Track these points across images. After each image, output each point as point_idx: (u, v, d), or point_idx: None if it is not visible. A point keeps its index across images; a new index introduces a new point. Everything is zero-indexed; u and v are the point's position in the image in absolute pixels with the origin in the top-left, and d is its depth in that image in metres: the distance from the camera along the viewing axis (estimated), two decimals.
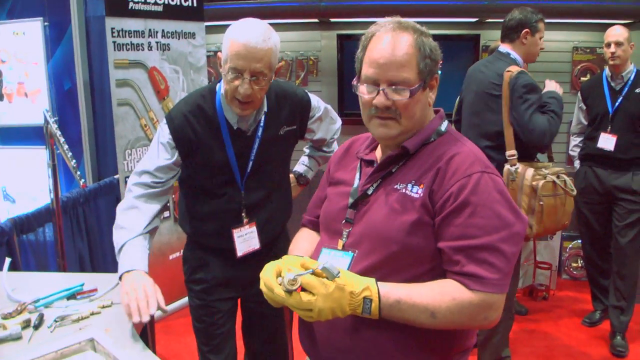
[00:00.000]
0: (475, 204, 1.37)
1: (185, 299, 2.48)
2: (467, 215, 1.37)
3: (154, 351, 1.74)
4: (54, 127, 3.01)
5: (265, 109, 2.12)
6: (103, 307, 1.89)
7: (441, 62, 1.51)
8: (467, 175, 1.39)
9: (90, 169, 4.31)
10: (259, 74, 1.92)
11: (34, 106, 4.27)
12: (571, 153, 4.09)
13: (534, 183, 2.84)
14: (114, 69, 3.67)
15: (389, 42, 1.43)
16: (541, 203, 2.82)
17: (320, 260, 1.55)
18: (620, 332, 3.73)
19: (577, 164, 3.99)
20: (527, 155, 2.98)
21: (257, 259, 2.12)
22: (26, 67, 4.27)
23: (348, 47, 4.69)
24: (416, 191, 1.44)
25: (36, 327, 1.76)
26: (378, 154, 1.61)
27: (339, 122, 2.49)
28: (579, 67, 4.80)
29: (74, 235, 3.67)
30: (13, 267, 3.02)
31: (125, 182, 3.79)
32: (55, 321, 1.78)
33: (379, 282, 1.38)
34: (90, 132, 4.29)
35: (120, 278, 1.85)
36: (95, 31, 4.17)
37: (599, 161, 3.72)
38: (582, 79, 4.78)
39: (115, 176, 4.02)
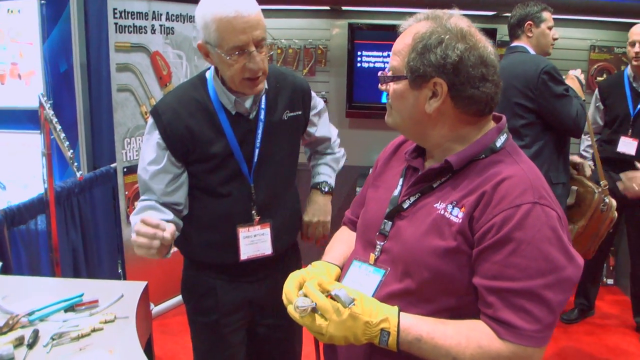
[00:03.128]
0: (519, 240, 1.18)
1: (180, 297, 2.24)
2: (507, 253, 1.19)
3: None
4: (50, 112, 2.80)
5: (265, 85, 1.90)
6: (105, 322, 1.71)
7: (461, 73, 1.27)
8: (514, 206, 1.20)
9: (85, 157, 4.10)
10: (261, 41, 1.73)
11: (27, 88, 4.05)
12: (583, 153, 3.94)
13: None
14: (115, 52, 3.47)
15: (404, 29, 1.35)
16: None
17: (349, 274, 1.45)
18: None
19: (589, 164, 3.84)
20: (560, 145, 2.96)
21: (265, 273, 1.97)
22: (20, 47, 4.04)
23: (359, 37, 4.49)
24: (456, 214, 1.27)
25: (30, 345, 1.57)
26: (428, 163, 1.43)
27: (335, 130, 2.32)
28: (595, 66, 4.62)
29: (68, 227, 3.47)
30: (3, 263, 2.88)
31: (124, 172, 3.64)
32: (52, 339, 1.60)
33: (401, 314, 1.24)
34: (87, 118, 4.07)
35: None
36: (94, 11, 3.93)
37: (618, 166, 3.56)
38: (599, 78, 4.61)
39: (112, 165, 3.82)
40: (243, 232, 1.93)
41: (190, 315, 2.08)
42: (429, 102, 1.29)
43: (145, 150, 1.89)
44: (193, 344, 2.11)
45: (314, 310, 1.22)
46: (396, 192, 1.43)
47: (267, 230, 1.97)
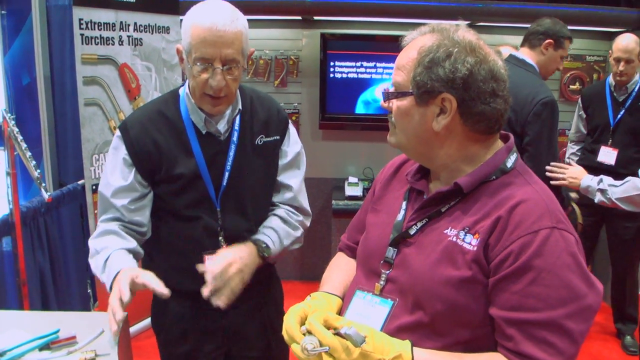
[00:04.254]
0: (539, 268, 1.12)
1: None
2: (527, 282, 1.12)
3: None
4: (14, 129, 2.67)
5: (239, 106, 1.82)
6: None
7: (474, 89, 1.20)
8: (533, 231, 1.14)
9: (50, 173, 3.93)
10: (231, 61, 1.65)
11: None
12: (568, 161, 3.93)
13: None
14: (82, 64, 3.33)
15: (407, 43, 1.28)
16: None
17: (352, 305, 1.36)
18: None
19: None
20: None
21: (240, 299, 1.69)
22: None
23: (332, 47, 4.42)
24: (469, 241, 1.19)
25: None
26: (433, 185, 1.35)
27: (303, 188, 2.03)
28: (568, 74, 4.64)
29: (35, 248, 3.30)
30: None
31: (92, 189, 3.48)
32: None
33: (415, 349, 1.16)
34: (51, 133, 3.91)
35: (110, 288, 1.58)
36: (57, 22, 3.80)
37: (598, 175, 3.55)
38: (571, 87, 4.65)
39: (80, 182, 3.66)
40: (209, 259, 1.74)
41: (162, 347, 1.95)
42: (437, 120, 1.22)
43: (110, 166, 1.78)
44: None
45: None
46: (399, 217, 1.35)
47: None
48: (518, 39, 4.31)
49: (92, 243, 1.73)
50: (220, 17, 1.61)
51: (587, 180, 2.73)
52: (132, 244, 1.73)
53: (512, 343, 1.14)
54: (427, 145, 1.26)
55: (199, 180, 1.77)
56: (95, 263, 1.69)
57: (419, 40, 1.24)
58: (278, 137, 1.90)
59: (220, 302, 1.63)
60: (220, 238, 1.79)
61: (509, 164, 1.26)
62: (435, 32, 1.23)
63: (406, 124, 1.26)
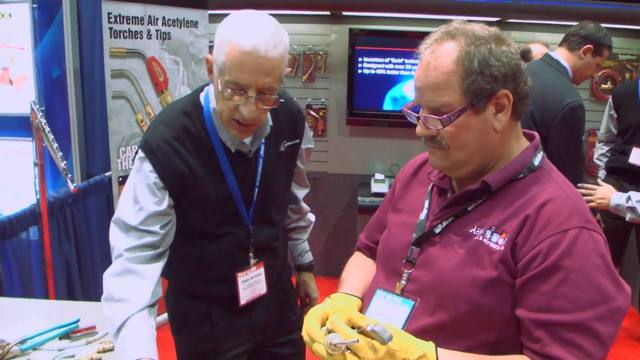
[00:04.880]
0: (568, 269, 1.09)
1: None
2: (556, 283, 1.10)
3: None
4: (42, 121, 2.70)
5: (270, 122, 1.69)
6: (104, 350, 1.61)
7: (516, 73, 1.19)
8: (562, 231, 1.11)
9: (78, 165, 3.98)
10: (267, 90, 1.48)
11: (19, 94, 3.93)
12: (596, 162, 3.87)
13: None
14: (110, 58, 3.34)
15: (426, 59, 1.19)
16: None
17: (373, 305, 1.33)
18: None
19: (601, 174, 3.75)
20: None
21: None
22: (11, 51, 3.92)
23: (360, 43, 4.40)
24: (496, 241, 1.17)
25: None
26: (455, 181, 1.33)
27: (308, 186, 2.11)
28: (599, 74, 4.54)
29: (61, 238, 3.35)
30: None
31: (119, 181, 3.51)
32: None
33: (439, 349, 1.13)
34: (80, 125, 3.96)
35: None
36: (87, 16, 3.82)
37: (629, 177, 3.48)
38: (603, 86, 4.55)
39: (107, 173, 3.70)
40: (241, 277, 1.75)
41: (184, 345, 1.89)
42: (496, 118, 1.19)
43: (137, 192, 1.57)
44: None
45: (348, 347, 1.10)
46: (422, 216, 1.33)
47: (261, 270, 1.80)
48: (549, 36, 4.26)
49: (110, 283, 1.50)
50: (262, 40, 1.42)
51: (616, 199, 2.67)
52: (153, 290, 1.52)
53: (539, 345, 1.11)
54: (489, 150, 1.22)
55: (230, 200, 1.68)
56: (109, 313, 1.46)
57: (442, 50, 1.18)
58: (298, 141, 1.86)
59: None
60: (250, 254, 1.76)
61: (536, 162, 1.24)
62: (455, 36, 1.18)
63: (467, 138, 1.20)
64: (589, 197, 2.70)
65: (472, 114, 1.17)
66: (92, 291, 3.58)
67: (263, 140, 1.70)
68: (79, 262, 3.51)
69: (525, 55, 3.67)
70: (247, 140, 1.66)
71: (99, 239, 3.70)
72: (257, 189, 1.72)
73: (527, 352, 1.14)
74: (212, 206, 1.66)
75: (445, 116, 1.18)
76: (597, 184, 2.82)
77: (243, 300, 1.76)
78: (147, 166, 1.56)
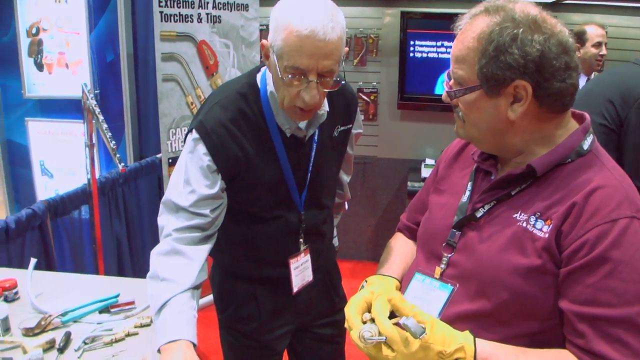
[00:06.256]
0: (616, 260, 1.02)
1: None
2: (603, 275, 1.03)
3: None
4: (92, 103, 2.75)
5: (326, 107, 1.65)
6: (141, 325, 1.62)
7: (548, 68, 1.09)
8: (611, 220, 1.04)
9: (131, 147, 4.08)
10: (327, 73, 1.44)
11: (74, 78, 4.04)
12: None
13: None
14: (160, 41, 3.38)
15: (461, 31, 1.17)
16: None
17: (410, 288, 1.30)
18: None
19: None
20: None
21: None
22: (67, 36, 4.03)
23: (412, 26, 4.32)
24: (540, 227, 1.10)
25: (61, 350, 1.49)
26: (502, 165, 1.27)
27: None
28: None
29: (112, 217, 3.44)
30: (45, 254, 2.85)
31: (169, 163, 3.56)
32: (85, 343, 1.52)
33: (477, 340, 1.08)
34: (133, 108, 4.05)
35: (158, 350, 1.34)
36: (141, 0, 3.90)
37: None
38: None
39: (158, 155, 3.77)
40: (293, 264, 1.74)
41: (228, 324, 1.89)
42: (512, 108, 1.12)
43: (189, 174, 1.54)
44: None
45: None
46: (464, 199, 1.28)
47: (308, 257, 1.79)
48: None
49: (157, 262, 1.49)
50: (320, 22, 1.37)
51: None
52: (198, 272, 1.49)
53: (583, 340, 1.05)
54: (502, 136, 1.17)
55: (283, 185, 1.66)
56: (153, 291, 1.45)
57: (474, 24, 1.13)
58: (351, 125, 1.83)
59: None
60: (300, 240, 1.75)
61: (586, 146, 1.16)
62: (491, 12, 1.12)
63: (477, 117, 1.17)
64: None
65: (483, 95, 1.13)
66: (142, 269, 3.66)
67: (318, 126, 1.68)
68: (129, 241, 3.60)
69: (580, 36, 3.53)
70: (302, 125, 1.63)
71: (149, 218, 3.78)
72: (309, 174, 1.70)
73: (571, 347, 1.09)
74: (264, 190, 1.65)
75: (455, 90, 1.17)
76: None
77: (296, 287, 1.76)
78: (201, 148, 1.53)
